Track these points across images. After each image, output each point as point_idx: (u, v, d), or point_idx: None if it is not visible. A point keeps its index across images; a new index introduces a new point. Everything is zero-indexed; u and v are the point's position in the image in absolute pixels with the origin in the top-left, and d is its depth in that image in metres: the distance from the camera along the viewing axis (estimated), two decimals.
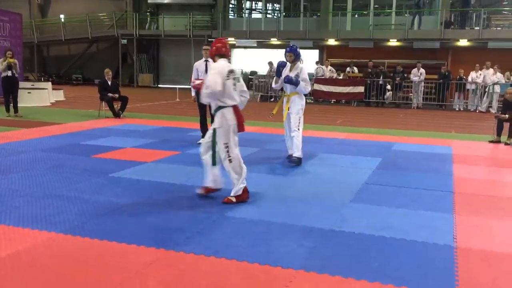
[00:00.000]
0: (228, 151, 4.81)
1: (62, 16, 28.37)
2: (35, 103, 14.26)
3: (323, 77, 18.76)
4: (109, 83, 11.89)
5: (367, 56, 20.45)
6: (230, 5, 28.10)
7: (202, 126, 8.23)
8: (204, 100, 4.89)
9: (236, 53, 29.12)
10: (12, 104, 11.72)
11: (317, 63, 20.73)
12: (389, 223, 4.36)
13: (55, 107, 14.58)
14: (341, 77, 19.05)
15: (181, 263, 3.39)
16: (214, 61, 4.98)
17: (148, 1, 27.99)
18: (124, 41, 26.53)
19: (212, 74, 4.77)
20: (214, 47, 4.96)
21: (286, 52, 6.82)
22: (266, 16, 27.36)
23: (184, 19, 26.22)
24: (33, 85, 15.42)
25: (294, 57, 6.76)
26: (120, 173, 5.94)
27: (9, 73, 11.51)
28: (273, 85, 7.25)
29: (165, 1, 27.93)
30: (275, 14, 27.45)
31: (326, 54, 24.32)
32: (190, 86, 8.72)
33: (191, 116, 8.35)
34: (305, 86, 6.73)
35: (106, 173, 5.91)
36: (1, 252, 3.46)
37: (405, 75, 17.91)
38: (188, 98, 9.55)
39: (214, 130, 4.87)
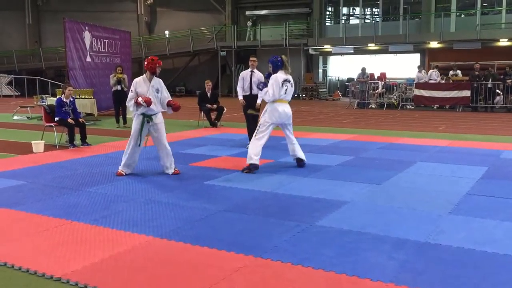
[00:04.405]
0: None
1: (167, 32, 30.18)
2: None
3: (430, 81, 17.96)
4: (208, 94, 12.39)
5: (473, 58, 19.20)
6: (327, 12, 27.97)
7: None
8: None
9: (332, 60, 28.92)
10: (121, 116, 12.67)
11: (419, 67, 19.89)
12: (492, 237, 4.04)
13: None
14: (443, 81, 18.11)
15: (267, 270, 3.41)
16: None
17: (246, 13, 28.80)
18: (223, 53, 27.51)
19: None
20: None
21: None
22: (364, 22, 26.84)
23: (280, 28, 26.59)
24: None
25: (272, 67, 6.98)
26: (214, 181, 6.16)
27: (119, 87, 12.44)
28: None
29: (262, 12, 28.54)
30: (373, 19, 26.81)
31: (428, 57, 23.27)
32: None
33: None
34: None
35: (201, 181, 6.16)
36: (104, 253, 3.74)
37: None
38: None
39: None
